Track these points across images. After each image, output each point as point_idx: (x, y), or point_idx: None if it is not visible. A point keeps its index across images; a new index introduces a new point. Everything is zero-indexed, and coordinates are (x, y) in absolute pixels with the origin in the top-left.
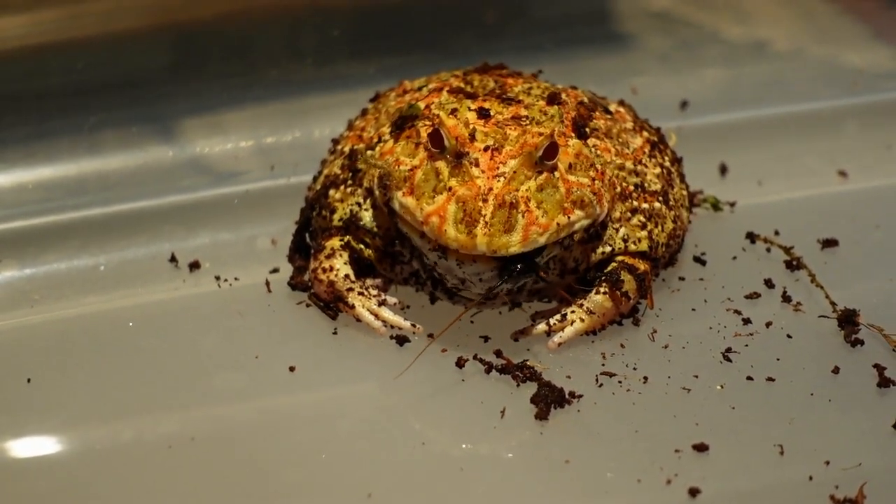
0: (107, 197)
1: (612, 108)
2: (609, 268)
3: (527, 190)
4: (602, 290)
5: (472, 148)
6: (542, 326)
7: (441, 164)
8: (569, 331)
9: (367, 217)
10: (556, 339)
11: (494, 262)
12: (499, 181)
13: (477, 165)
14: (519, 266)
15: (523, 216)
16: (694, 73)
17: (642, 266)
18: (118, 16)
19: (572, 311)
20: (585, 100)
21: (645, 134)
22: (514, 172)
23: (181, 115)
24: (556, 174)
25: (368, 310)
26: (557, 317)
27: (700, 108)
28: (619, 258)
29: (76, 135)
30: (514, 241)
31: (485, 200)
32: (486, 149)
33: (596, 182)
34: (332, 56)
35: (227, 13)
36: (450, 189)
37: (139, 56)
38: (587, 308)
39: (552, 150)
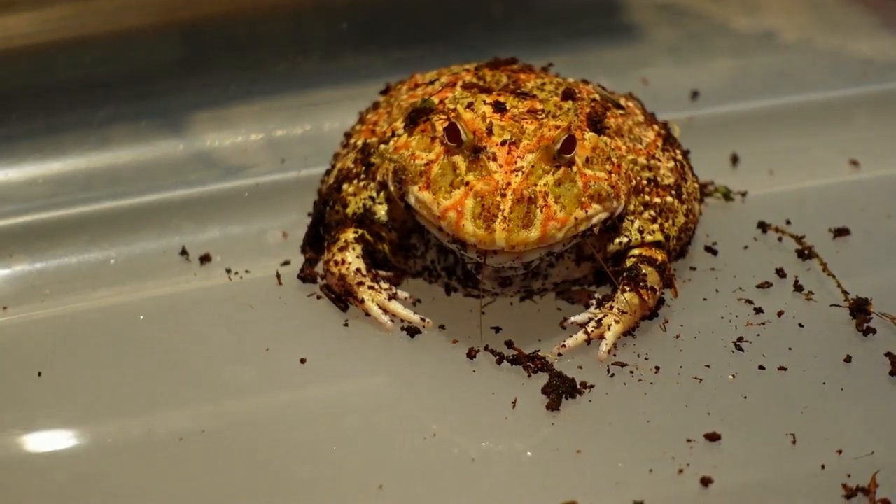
0: (116, 191)
1: (622, 102)
2: (628, 264)
3: (545, 184)
4: (627, 288)
5: (489, 142)
6: (581, 336)
7: (458, 159)
8: (609, 336)
9: (381, 211)
10: (604, 347)
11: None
12: (517, 176)
13: (495, 160)
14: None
15: (541, 211)
16: (703, 63)
17: (660, 256)
18: (126, 11)
19: (605, 316)
20: (598, 97)
21: (656, 127)
22: (532, 167)
23: (190, 109)
24: (574, 168)
25: (378, 304)
26: (593, 323)
27: (710, 99)
28: (636, 251)
29: (85, 129)
30: (533, 237)
31: (503, 195)
32: (503, 143)
33: (613, 175)
34: (339, 49)
35: (234, 7)
36: (467, 184)
37: (147, 51)
38: (618, 309)
39: (570, 143)
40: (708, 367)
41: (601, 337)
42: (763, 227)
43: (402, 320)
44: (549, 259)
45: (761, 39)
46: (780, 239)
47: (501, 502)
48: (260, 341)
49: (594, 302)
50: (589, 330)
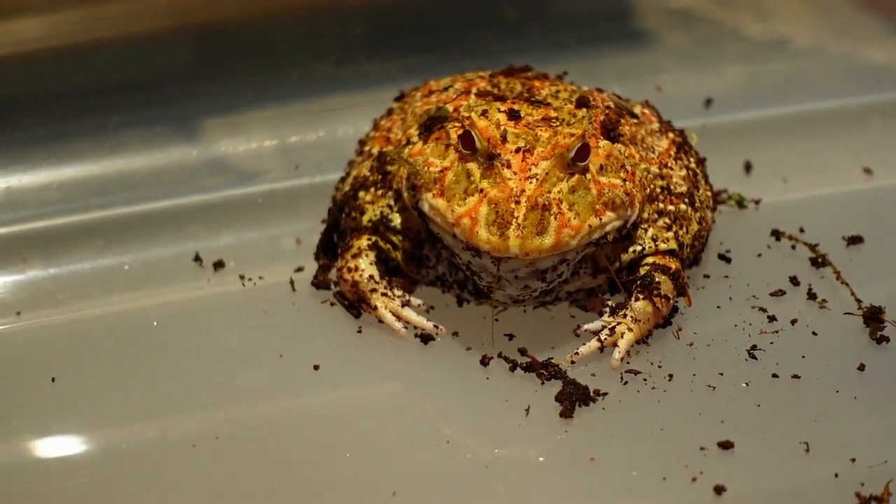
0: (130, 196)
1: (637, 110)
2: (642, 272)
3: (559, 192)
4: (641, 296)
5: (503, 149)
6: (594, 343)
7: (472, 166)
8: (622, 344)
9: (397, 220)
10: (616, 355)
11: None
12: (531, 183)
13: (509, 167)
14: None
15: (555, 218)
16: (716, 70)
17: (674, 265)
18: (140, 16)
19: (619, 324)
20: (612, 105)
21: (671, 135)
22: (547, 174)
23: (204, 114)
24: (588, 176)
25: (391, 311)
26: (606, 331)
27: (724, 106)
28: (650, 260)
29: (99, 135)
30: (547, 244)
31: (517, 202)
32: (517, 150)
33: (627, 183)
34: (354, 55)
35: (248, 12)
36: (481, 191)
37: (161, 56)
38: (632, 317)
39: (584, 151)
40: (721, 374)
41: (614, 345)
42: (776, 234)
43: (416, 327)
44: (565, 276)
45: (774, 46)
46: (793, 247)
47: None
48: (273, 347)
49: (607, 310)
50: (602, 338)
